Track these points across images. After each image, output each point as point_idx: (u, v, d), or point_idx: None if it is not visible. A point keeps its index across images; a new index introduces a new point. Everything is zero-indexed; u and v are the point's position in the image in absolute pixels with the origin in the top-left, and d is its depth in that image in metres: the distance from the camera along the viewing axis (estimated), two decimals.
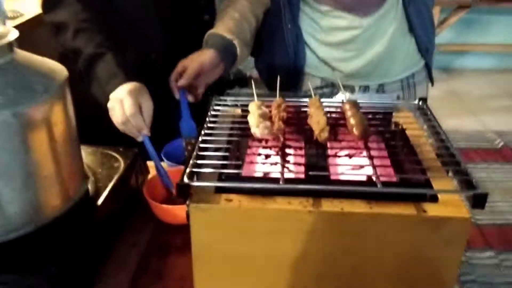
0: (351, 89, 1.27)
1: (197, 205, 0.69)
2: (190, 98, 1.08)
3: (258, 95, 0.95)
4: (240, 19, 1.17)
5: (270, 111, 0.87)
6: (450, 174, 0.75)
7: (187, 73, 1.06)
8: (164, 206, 0.93)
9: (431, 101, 0.93)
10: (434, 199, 0.69)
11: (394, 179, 0.74)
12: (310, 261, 0.70)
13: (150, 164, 1.08)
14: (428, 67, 1.32)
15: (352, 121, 0.79)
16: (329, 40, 1.23)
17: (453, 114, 3.26)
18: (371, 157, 0.74)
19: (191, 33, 1.21)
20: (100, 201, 0.85)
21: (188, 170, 0.70)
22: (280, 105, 0.87)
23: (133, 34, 1.20)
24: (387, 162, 0.78)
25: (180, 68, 1.07)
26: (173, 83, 1.07)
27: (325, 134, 0.77)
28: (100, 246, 0.87)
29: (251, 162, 0.78)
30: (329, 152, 0.80)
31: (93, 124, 1.21)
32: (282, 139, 0.77)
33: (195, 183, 0.69)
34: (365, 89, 1.28)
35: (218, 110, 0.92)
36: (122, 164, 0.95)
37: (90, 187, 0.87)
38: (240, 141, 0.83)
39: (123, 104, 0.94)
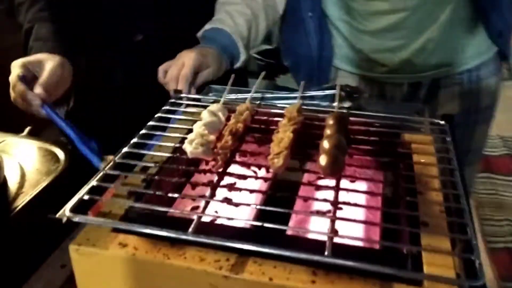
0: (400, 88, 1.03)
1: (79, 248, 0.50)
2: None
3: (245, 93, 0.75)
4: (251, 17, 0.97)
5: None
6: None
7: (183, 74, 0.84)
8: None
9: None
10: (417, 281, 0.46)
11: (376, 235, 0.51)
12: None
13: None
14: (502, 56, 1.04)
15: (324, 145, 0.56)
16: (368, 27, 0.99)
17: None
18: (335, 203, 0.51)
19: (184, 14, 1.02)
20: (16, 208, 0.69)
21: (77, 197, 0.52)
22: (242, 112, 0.65)
23: (115, 10, 1.03)
24: (376, 214, 0.55)
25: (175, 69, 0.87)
26: (162, 80, 0.87)
27: (279, 162, 0.54)
28: (18, 266, 0.72)
29: (166, 193, 0.57)
30: (302, 189, 0.58)
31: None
32: (220, 162, 0.56)
33: (79, 219, 0.50)
34: (416, 86, 1.03)
35: (171, 112, 0.72)
36: (61, 166, 0.79)
37: (11, 191, 0.72)
38: (183, 159, 0.62)
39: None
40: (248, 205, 0.55)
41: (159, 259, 0.49)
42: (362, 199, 0.58)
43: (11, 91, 0.81)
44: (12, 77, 0.80)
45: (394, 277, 0.46)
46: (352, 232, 0.54)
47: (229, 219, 0.51)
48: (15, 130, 0.93)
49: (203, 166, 0.64)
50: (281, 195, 0.55)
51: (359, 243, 0.53)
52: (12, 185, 0.73)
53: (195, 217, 0.49)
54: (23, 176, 0.76)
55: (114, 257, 0.50)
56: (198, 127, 0.61)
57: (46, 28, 0.91)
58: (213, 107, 0.67)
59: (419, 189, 0.57)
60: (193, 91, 0.85)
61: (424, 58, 0.99)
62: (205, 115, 0.64)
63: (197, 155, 0.56)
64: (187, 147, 0.57)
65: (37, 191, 0.73)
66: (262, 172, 0.63)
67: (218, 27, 0.94)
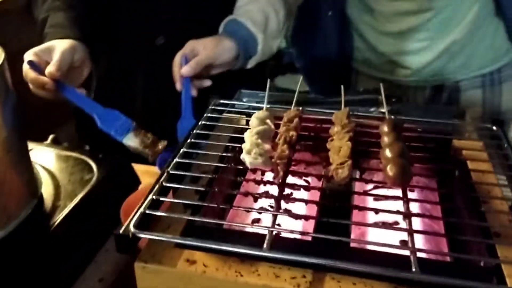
0: (422, 92, 1.02)
1: (145, 265, 0.48)
2: (194, 92, 0.87)
3: (276, 98, 0.73)
4: (269, 11, 0.95)
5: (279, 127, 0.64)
6: None
7: (196, 60, 0.85)
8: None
9: None
10: None
11: (446, 256, 0.50)
12: None
13: (145, 170, 0.88)
14: None
15: (387, 153, 0.55)
16: (391, 29, 0.98)
17: None
18: (408, 215, 0.49)
19: (207, 14, 1.00)
20: (53, 225, 0.66)
21: (139, 212, 0.50)
22: (292, 119, 0.64)
23: (136, 11, 1.00)
24: (439, 224, 0.53)
25: (189, 51, 0.87)
26: (177, 69, 0.87)
27: (344, 172, 0.53)
28: (55, 279, 0.69)
29: (240, 206, 0.55)
30: (357, 199, 0.56)
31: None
32: (281, 173, 0.54)
33: (144, 235, 0.48)
34: (438, 89, 1.02)
35: (214, 119, 0.70)
36: (95, 176, 0.76)
37: (46, 205, 0.69)
38: (232, 168, 0.60)
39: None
40: (314, 218, 0.53)
41: (231, 276, 0.46)
42: (425, 209, 0.57)
43: (26, 80, 0.79)
44: (23, 66, 0.78)
45: None
46: (420, 245, 0.53)
47: (301, 233, 0.49)
48: (36, 138, 0.90)
49: (250, 176, 0.62)
50: (339, 205, 0.53)
51: (437, 257, 0.51)
52: (48, 197, 0.70)
53: (265, 231, 0.47)
54: (57, 187, 0.73)
55: (183, 274, 0.47)
56: (250, 136, 0.59)
57: (61, 16, 0.89)
58: (261, 114, 0.65)
59: (482, 198, 0.56)
60: (194, 91, 0.85)
61: (447, 60, 0.99)
62: (255, 123, 0.62)
63: (256, 165, 0.54)
64: (246, 158, 0.55)
65: (75, 203, 0.70)
66: (315, 182, 0.61)
67: (237, 19, 0.92)
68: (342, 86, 0.79)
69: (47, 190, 0.72)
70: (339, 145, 0.58)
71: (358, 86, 1.09)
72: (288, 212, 0.53)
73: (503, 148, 0.62)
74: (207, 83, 0.89)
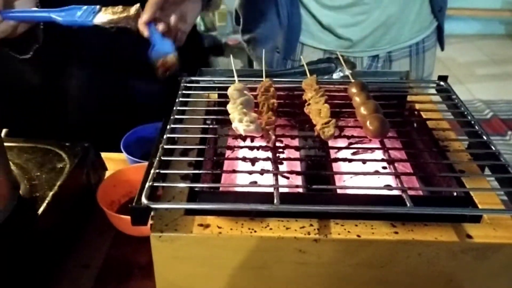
0: (360, 61, 1.10)
1: (162, 234, 0.50)
2: (161, 27, 0.78)
3: (238, 73, 0.76)
4: None
5: (255, 96, 0.67)
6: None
7: (150, 3, 0.76)
8: (124, 217, 0.74)
9: None
10: (476, 218, 0.52)
11: (420, 191, 0.57)
12: None
13: (108, 157, 0.88)
14: (440, 29, 1.16)
15: (363, 111, 0.61)
16: (334, 2, 1.04)
17: None
18: (391, 161, 0.56)
19: None
20: (35, 217, 0.65)
21: (147, 185, 0.51)
22: (269, 88, 0.67)
23: None
24: (407, 166, 0.61)
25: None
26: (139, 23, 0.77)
27: (330, 130, 0.58)
28: (40, 270, 0.68)
29: (233, 171, 0.59)
30: (333, 153, 0.61)
31: (31, 113, 1.01)
32: (273, 137, 0.58)
33: (157, 205, 0.50)
34: (374, 59, 1.11)
35: (188, 96, 0.72)
36: (67, 164, 0.75)
37: (25, 196, 0.67)
38: (217, 139, 0.63)
39: None
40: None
41: (246, 234, 0.50)
42: (396, 156, 0.64)
43: None
44: None
45: (455, 217, 0.52)
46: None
47: (306, 189, 0.53)
48: None
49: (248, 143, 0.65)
50: (325, 160, 0.59)
51: (416, 192, 0.58)
52: (24, 189, 0.68)
53: (272, 190, 0.51)
54: (31, 179, 0.71)
55: (200, 238, 0.50)
56: (236, 106, 0.62)
57: None
58: (238, 85, 0.68)
59: (441, 141, 0.64)
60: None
61: (383, 32, 1.08)
62: (235, 94, 0.65)
63: (250, 132, 0.58)
64: (239, 126, 0.58)
65: (54, 191, 0.68)
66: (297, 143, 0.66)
67: None
68: (302, 57, 0.84)
69: (21, 182, 0.70)
70: (317, 108, 0.63)
71: (304, 57, 1.14)
72: (289, 172, 0.57)
73: (452, 99, 0.70)
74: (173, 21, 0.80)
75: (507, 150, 2.43)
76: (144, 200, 0.49)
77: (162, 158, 0.56)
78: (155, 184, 0.51)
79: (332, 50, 1.11)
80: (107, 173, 0.86)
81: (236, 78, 0.73)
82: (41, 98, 0.99)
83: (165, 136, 0.60)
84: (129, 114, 1.01)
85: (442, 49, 1.24)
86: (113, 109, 1.01)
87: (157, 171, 0.53)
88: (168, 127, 0.62)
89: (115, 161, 0.91)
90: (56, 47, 0.90)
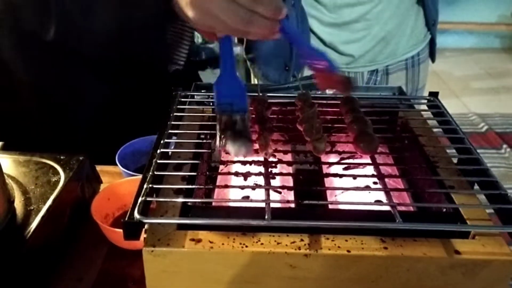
0: (361, 76, 1.12)
1: (154, 249, 0.50)
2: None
3: None
4: None
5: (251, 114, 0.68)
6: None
7: None
8: (118, 230, 0.74)
9: None
10: (464, 234, 0.53)
11: (410, 207, 0.58)
12: None
13: (103, 170, 0.88)
14: (433, 42, 1.19)
15: (353, 127, 0.62)
16: (336, 20, 1.06)
17: None
18: (382, 177, 0.57)
19: None
20: (29, 230, 0.65)
21: (140, 200, 0.52)
22: (269, 107, 0.68)
23: None
24: (398, 182, 0.61)
25: None
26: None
27: (321, 146, 0.59)
28: (34, 283, 0.68)
29: (226, 186, 0.59)
30: (325, 168, 0.62)
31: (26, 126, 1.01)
32: (270, 150, 0.59)
33: (150, 220, 0.50)
34: (373, 73, 1.13)
35: (183, 110, 0.73)
36: (62, 177, 0.75)
37: (18, 212, 0.68)
38: (210, 153, 0.64)
39: None
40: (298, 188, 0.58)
41: (237, 248, 0.50)
42: (387, 172, 0.64)
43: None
44: None
45: (444, 233, 0.52)
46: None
47: (297, 204, 0.54)
48: None
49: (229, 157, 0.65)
50: (312, 178, 0.59)
51: (407, 208, 0.59)
52: (19, 202, 0.69)
53: (263, 205, 0.52)
54: (25, 192, 0.71)
55: (192, 253, 0.50)
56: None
57: None
58: None
59: (432, 157, 0.65)
60: None
61: (382, 47, 1.10)
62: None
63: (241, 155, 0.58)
64: (231, 150, 0.58)
65: (48, 205, 0.69)
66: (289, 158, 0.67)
67: None
68: (296, 73, 0.85)
69: (16, 196, 0.70)
70: (310, 123, 0.64)
71: (306, 73, 1.16)
72: (280, 187, 0.58)
73: (443, 114, 0.71)
74: None
75: (502, 163, 2.44)
76: (136, 215, 0.50)
77: (156, 172, 0.56)
78: (148, 199, 0.52)
79: None
80: (102, 186, 0.87)
81: None
82: (37, 111, 1.00)
83: (158, 151, 0.60)
84: (126, 126, 1.01)
85: (433, 61, 1.26)
86: (110, 121, 1.01)
87: (150, 185, 0.54)
88: (162, 141, 0.62)
89: (110, 174, 0.92)
90: (50, 60, 0.92)
